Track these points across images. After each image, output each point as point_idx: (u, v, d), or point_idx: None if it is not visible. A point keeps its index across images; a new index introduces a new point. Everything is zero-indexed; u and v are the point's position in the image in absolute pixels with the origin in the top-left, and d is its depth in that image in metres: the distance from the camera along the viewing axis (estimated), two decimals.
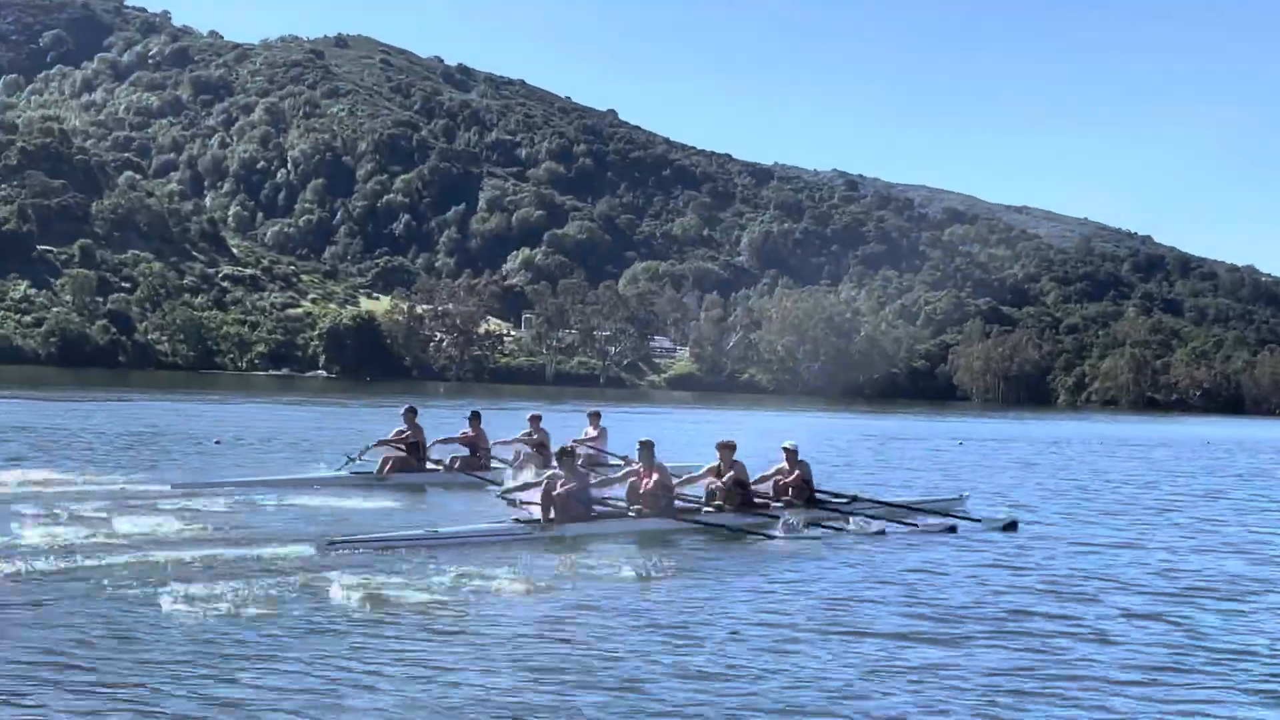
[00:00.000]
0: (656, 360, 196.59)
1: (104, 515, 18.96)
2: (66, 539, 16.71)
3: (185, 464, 29.42)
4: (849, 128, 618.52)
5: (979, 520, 22.33)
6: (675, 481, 20.61)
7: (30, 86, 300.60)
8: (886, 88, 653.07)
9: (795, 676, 11.33)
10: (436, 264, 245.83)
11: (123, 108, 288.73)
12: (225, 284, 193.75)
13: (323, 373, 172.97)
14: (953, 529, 21.35)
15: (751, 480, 21.21)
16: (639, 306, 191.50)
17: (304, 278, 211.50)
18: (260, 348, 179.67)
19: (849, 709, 10.44)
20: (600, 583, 15.82)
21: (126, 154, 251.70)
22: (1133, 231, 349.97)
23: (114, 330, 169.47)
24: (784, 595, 15.34)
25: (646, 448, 20.34)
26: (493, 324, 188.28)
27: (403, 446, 26.37)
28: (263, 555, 16.08)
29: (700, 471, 21.31)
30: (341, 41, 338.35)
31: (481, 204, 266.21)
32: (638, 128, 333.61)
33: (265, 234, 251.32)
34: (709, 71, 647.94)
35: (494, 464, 27.31)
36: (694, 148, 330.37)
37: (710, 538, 19.56)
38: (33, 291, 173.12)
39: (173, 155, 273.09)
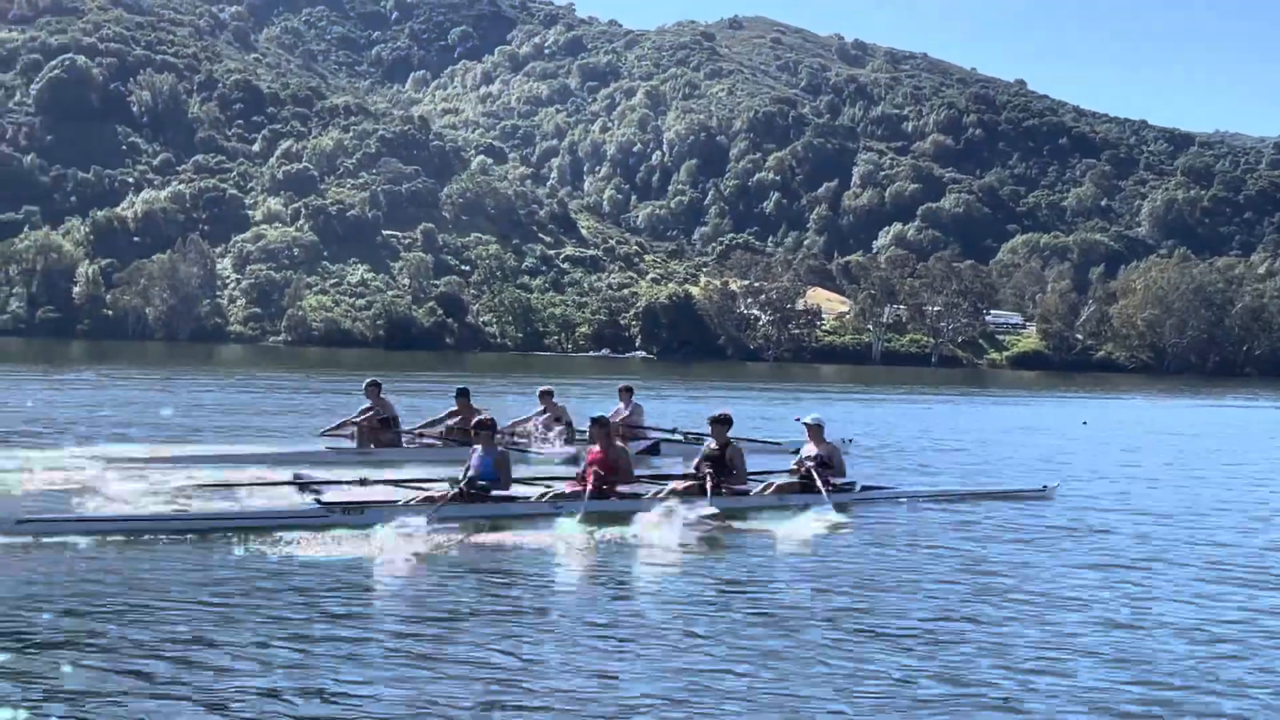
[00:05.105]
0: (1000, 337, 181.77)
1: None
2: None
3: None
4: None
5: None
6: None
7: (435, 82, 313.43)
8: None
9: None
10: (805, 242, 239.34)
11: (514, 98, 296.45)
12: (564, 265, 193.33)
13: (641, 353, 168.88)
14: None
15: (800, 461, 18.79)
16: (974, 279, 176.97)
17: (647, 258, 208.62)
18: (584, 329, 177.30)
19: None
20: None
21: (511, 142, 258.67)
22: None
23: (440, 312, 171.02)
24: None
25: (599, 424, 18.21)
26: (811, 299, 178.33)
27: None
28: None
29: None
30: (736, 23, 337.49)
31: (855, 179, 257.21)
32: (1044, 97, 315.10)
33: (637, 217, 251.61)
34: (1131, 40, 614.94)
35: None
36: (1104, 115, 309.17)
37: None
38: (370, 276, 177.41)
39: (555, 141, 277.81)
